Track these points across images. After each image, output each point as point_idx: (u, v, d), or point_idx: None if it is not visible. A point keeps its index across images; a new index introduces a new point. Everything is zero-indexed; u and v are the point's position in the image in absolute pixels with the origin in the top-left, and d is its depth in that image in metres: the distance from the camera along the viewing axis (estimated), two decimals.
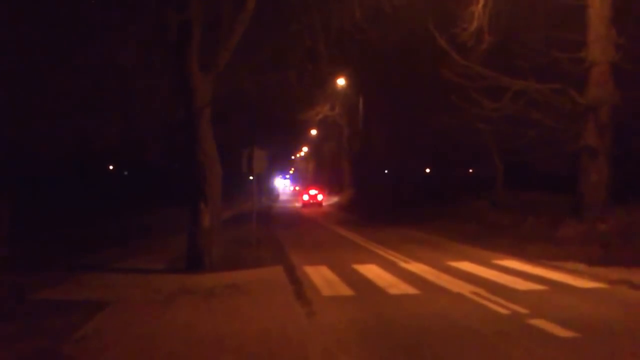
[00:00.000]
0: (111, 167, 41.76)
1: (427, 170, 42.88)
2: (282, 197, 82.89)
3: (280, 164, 70.28)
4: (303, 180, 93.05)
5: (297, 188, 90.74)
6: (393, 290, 10.31)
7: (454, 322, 7.91)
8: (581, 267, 12.24)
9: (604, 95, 15.75)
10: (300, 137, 65.43)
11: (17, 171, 21.50)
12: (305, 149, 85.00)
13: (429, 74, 21.11)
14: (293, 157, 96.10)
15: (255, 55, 18.95)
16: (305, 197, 52.23)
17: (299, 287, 10.75)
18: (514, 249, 14.99)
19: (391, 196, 35.87)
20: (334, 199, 55.40)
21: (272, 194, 74.09)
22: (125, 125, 22.00)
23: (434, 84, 21.11)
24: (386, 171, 41.77)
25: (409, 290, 10.35)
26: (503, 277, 11.42)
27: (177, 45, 12.84)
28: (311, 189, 54.79)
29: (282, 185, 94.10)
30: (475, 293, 9.78)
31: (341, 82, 40.51)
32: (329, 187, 63.15)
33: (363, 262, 13.97)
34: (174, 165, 33.30)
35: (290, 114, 38.19)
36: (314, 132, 60.88)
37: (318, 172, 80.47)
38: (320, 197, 52.01)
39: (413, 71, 25.24)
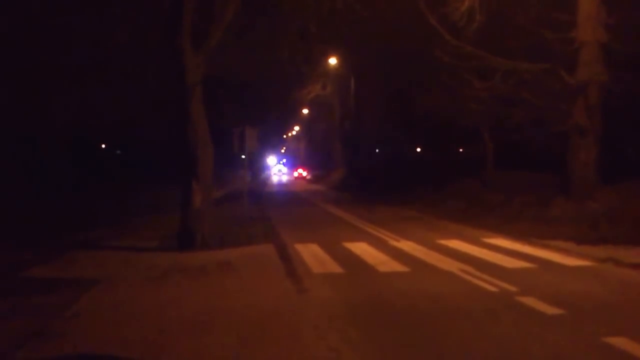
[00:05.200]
0: (104, 146, 41.60)
1: (418, 150, 43.05)
2: (276, 177, 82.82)
3: (271, 143, 71.01)
4: (294, 159, 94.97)
5: (284, 161, 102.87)
6: (383, 268, 10.41)
7: (443, 299, 8.02)
8: (569, 245, 12.37)
9: (594, 75, 15.77)
10: (292, 117, 65.33)
11: (11, 151, 21.39)
12: (297, 128, 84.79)
13: (420, 53, 21.04)
14: (285, 137, 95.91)
15: (247, 34, 18.81)
16: (295, 174, 74.89)
17: (290, 264, 10.84)
18: (504, 228, 15.13)
19: (382, 175, 35.97)
20: (325, 178, 55.72)
21: (263, 172, 74.51)
22: (118, 103, 21.89)
23: (425, 63, 21.07)
24: (377, 150, 41.86)
25: (399, 268, 10.46)
26: (492, 255, 11.55)
27: (169, 22, 12.70)
28: (299, 168, 76.85)
29: (277, 168, 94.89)
30: (464, 271, 9.89)
31: (333, 61, 40.32)
32: (320, 166, 65.08)
33: (353, 240, 14.07)
34: (166, 143, 33.16)
35: (282, 93, 38.06)
36: (305, 111, 60.75)
37: (309, 151, 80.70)
38: (304, 174, 71.42)
39: (404, 51, 25.14)
